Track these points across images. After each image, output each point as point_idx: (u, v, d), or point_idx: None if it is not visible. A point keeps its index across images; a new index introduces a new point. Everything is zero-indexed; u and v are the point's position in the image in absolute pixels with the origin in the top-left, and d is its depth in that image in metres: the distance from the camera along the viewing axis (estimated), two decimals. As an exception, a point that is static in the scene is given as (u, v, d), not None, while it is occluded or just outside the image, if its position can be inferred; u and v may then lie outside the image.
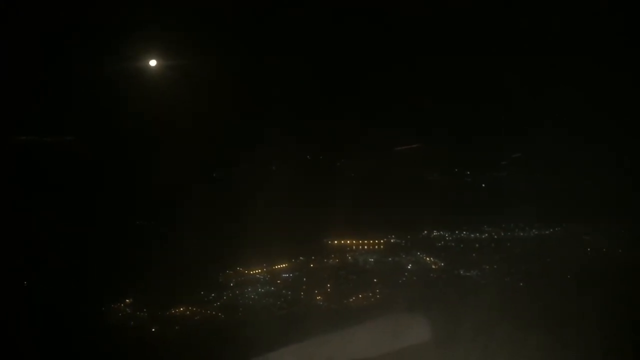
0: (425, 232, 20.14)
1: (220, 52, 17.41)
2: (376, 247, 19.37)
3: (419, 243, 19.83)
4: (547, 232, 21.24)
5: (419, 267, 19.29)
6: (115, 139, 17.51)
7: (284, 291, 17.57)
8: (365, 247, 19.29)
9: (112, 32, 15.69)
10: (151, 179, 16.92)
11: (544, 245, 20.84)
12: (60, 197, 16.39)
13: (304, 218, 18.04)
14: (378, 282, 18.32)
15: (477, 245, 20.39)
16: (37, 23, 15.01)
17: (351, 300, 17.72)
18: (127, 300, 16.29)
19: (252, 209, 17.14)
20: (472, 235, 20.54)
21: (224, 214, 17.83)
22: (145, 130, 17.21)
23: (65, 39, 15.71)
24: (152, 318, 16.22)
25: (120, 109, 16.61)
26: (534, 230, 21.11)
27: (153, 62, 15.83)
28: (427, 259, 19.55)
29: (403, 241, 19.72)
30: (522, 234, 21.09)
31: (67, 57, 15.99)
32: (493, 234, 20.75)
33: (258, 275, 17.70)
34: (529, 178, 21.65)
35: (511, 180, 21.49)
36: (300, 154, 19.85)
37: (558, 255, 20.59)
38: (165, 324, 16.15)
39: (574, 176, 21.29)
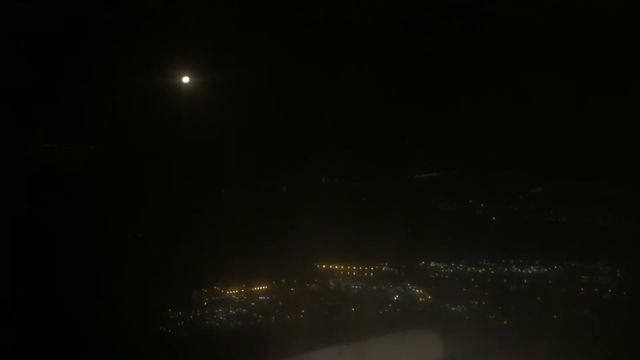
0: (422, 262, 19.31)
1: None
2: (365, 274, 18.54)
3: (412, 274, 19.02)
4: (545, 270, 20.44)
5: (405, 299, 18.52)
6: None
7: (254, 314, 16.80)
8: (354, 273, 18.46)
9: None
10: (139, 193, 16.48)
11: (540, 283, 20.07)
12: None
13: (296, 240, 17.10)
14: (355, 311, 17.44)
15: (472, 279, 19.59)
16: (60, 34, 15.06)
17: (320, 327, 16.81)
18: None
19: (242, 228, 16.68)
20: (469, 269, 19.70)
21: (210, 231, 16.91)
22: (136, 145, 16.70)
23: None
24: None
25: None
26: (532, 268, 20.28)
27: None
28: (417, 290, 18.73)
29: (396, 270, 18.92)
30: (520, 270, 20.25)
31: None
32: (490, 269, 19.90)
33: (233, 296, 16.82)
34: (541, 214, 21.02)
35: (523, 215, 20.82)
36: (299, 176, 19.15)
37: (552, 295, 19.88)
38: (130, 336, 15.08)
39: (587, 215, 20.89)
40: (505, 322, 18.66)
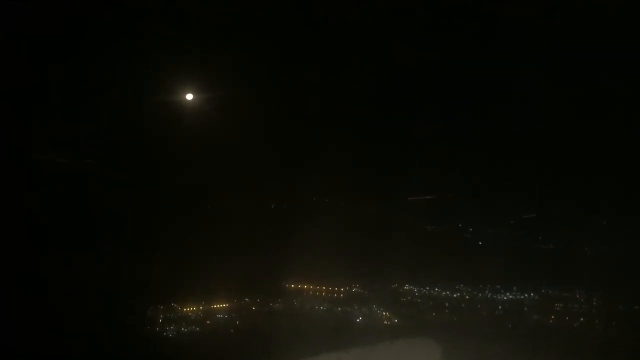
0: (395, 285, 18.58)
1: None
2: (335, 295, 17.83)
3: (382, 296, 18.32)
4: (521, 296, 19.99)
5: (368, 322, 17.87)
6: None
7: (207, 332, 16.03)
8: (323, 294, 17.69)
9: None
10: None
11: (513, 310, 19.67)
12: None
13: (267, 259, 16.62)
14: (311, 332, 16.57)
15: (446, 304, 19.10)
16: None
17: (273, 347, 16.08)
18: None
19: (212, 245, 15.93)
20: (444, 293, 19.13)
21: (178, 244, 15.95)
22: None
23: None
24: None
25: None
26: (508, 294, 19.79)
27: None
28: (383, 313, 18.07)
29: (366, 292, 18.20)
30: (495, 296, 19.77)
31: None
32: (465, 293, 19.37)
33: (190, 314, 15.92)
34: (530, 240, 20.39)
35: (512, 241, 20.18)
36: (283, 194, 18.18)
37: (523, 322, 19.56)
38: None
39: (575, 244, 20.27)
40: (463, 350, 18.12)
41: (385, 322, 18.02)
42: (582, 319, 19.47)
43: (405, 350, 11.92)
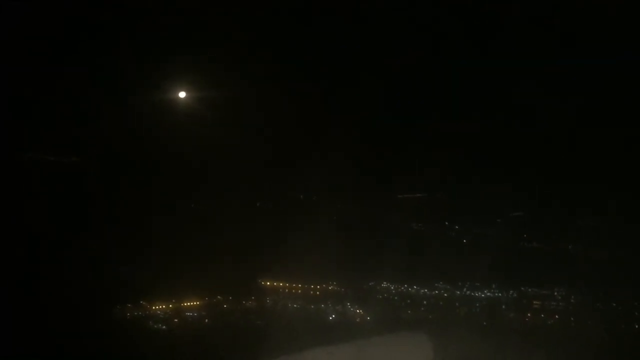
0: (372, 283, 18.29)
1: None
2: (310, 292, 17.56)
3: (358, 294, 18.06)
4: (499, 294, 19.96)
5: (340, 319, 17.62)
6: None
7: (174, 331, 15.71)
8: (299, 291, 17.43)
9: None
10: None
11: (489, 307, 19.67)
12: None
13: (247, 256, 16.34)
14: (282, 330, 16.38)
15: (424, 302, 18.93)
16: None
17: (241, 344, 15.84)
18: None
19: (185, 243, 15.53)
20: (422, 291, 18.93)
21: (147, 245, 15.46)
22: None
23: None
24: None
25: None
26: (486, 292, 19.73)
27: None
28: (357, 311, 17.85)
29: (343, 289, 17.86)
30: (473, 294, 19.69)
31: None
32: (443, 291, 19.24)
33: (158, 312, 15.62)
34: (515, 239, 20.28)
35: (497, 239, 19.82)
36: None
37: (501, 319, 19.56)
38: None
39: (561, 243, 20.30)
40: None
41: (357, 320, 17.84)
42: (557, 317, 19.49)
43: (397, 344, 11.54)
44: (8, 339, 12.42)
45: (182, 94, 14.62)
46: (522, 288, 19.79)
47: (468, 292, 19.52)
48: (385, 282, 18.37)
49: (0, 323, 12.75)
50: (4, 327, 12.66)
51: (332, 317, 17.57)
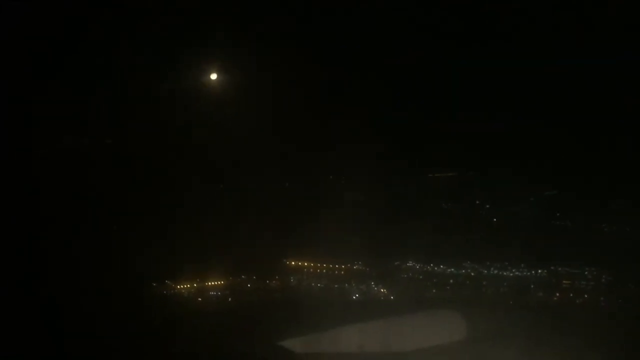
0: (397, 262, 18.13)
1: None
2: (336, 272, 17.47)
3: (383, 273, 18.02)
4: (528, 273, 19.63)
5: (364, 297, 17.72)
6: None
7: (197, 309, 15.98)
8: (324, 271, 17.39)
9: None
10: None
11: (518, 286, 19.36)
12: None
13: (273, 234, 16.58)
14: (306, 309, 16.32)
15: (450, 280, 18.73)
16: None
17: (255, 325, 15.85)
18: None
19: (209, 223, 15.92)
20: (449, 271, 18.70)
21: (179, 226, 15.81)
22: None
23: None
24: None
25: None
26: (514, 271, 19.42)
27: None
28: (381, 290, 17.84)
29: (368, 269, 17.84)
30: (501, 273, 19.36)
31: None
32: (470, 270, 18.98)
33: (183, 291, 15.81)
34: (546, 218, 20.04)
35: (528, 218, 19.75)
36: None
37: (526, 300, 19.25)
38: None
39: (594, 222, 20.09)
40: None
41: (382, 298, 17.86)
42: (586, 296, 19.13)
43: (425, 321, 12.52)
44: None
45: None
46: (552, 267, 19.44)
47: (495, 272, 19.19)
48: (410, 262, 18.23)
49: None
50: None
51: (355, 296, 17.62)
